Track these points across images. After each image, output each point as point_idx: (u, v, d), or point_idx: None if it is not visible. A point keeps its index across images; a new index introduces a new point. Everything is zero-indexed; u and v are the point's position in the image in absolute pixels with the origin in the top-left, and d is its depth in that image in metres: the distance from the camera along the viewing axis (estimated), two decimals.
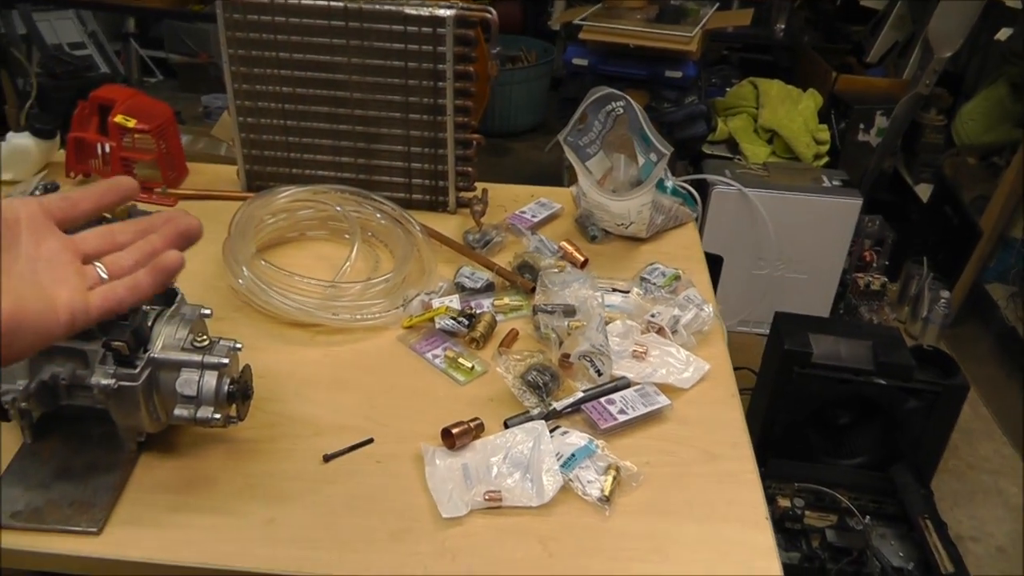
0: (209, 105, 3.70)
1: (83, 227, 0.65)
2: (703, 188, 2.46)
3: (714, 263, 1.37)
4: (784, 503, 1.87)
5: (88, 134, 1.33)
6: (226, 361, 0.84)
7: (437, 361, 1.06)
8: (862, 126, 3.07)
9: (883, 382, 1.90)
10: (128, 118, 1.29)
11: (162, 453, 0.91)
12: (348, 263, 1.17)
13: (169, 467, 0.89)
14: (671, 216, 1.37)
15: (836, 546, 1.82)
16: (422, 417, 0.97)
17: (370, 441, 0.93)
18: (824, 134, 2.85)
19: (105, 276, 0.62)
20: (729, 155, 2.82)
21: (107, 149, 1.33)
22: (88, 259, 0.62)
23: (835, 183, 2.59)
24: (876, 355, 1.91)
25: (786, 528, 1.88)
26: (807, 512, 1.88)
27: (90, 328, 0.81)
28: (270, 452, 0.92)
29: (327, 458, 0.91)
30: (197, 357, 0.84)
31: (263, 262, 1.11)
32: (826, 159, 2.88)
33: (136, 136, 1.32)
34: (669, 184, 1.34)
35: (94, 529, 0.82)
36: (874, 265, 2.81)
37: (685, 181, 1.49)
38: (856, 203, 2.52)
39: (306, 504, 0.86)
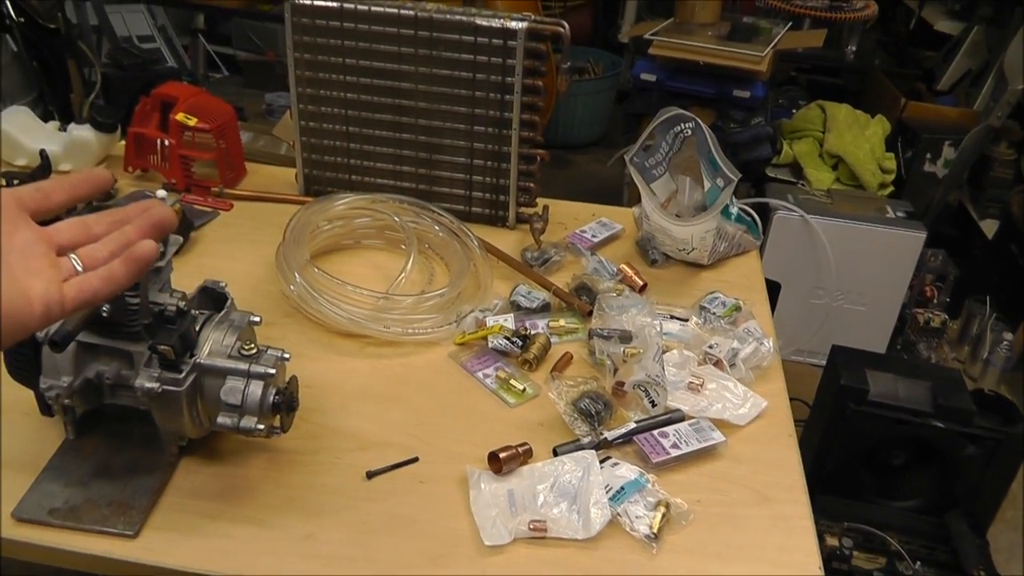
0: (272, 103, 3.74)
1: (57, 218, 0.64)
2: (765, 212, 2.40)
3: (772, 290, 1.33)
4: (832, 542, 1.81)
5: (148, 130, 1.34)
6: (273, 371, 0.83)
7: (488, 381, 1.04)
8: (929, 156, 2.99)
9: (941, 425, 1.83)
10: (189, 116, 1.30)
11: (203, 458, 0.90)
12: (403, 274, 1.15)
13: (209, 473, 0.88)
14: (734, 244, 1.33)
15: None
16: (469, 438, 0.95)
17: (415, 460, 0.92)
18: (891, 163, 2.77)
19: (80, 268, 0.62)
20: (793, 179, 2.76)
21: (167, 145, 1.33)
22: (63, 250, 0.62)
23: (899, 214, 2.51)
24: (935, 397, 1.84)
25: (833, 568, 1.82)
26: (855, 553, 1.82)
27: (137, 329, 0.82)
28: (312, 464, 0.90)
29: (370, 475, 0.89)
30: (243, 365, 0.82)
31: (316, 269, 1.10)
32: (891, 188, 2.80)
33: (196, 134, 1.32)
34: (734, 211, 1.30)
35: (131, 532, 0.81)
36: (935, 301, 2.72)
37: (747, 204, 1.45)
38: (920, 236, 2.44)
39: (345, 521, 0.84)
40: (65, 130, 1.37)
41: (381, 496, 0.87)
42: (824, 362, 2.54)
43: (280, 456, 0.91)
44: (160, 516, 0.83)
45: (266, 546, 0.81)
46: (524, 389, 1.02)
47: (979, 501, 1.89)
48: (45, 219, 0.63)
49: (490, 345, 1.07)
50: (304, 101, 1.30)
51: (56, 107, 2.55)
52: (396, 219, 1.21)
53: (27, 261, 0.59)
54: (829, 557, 1.81)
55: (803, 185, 2.70)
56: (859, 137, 2.73)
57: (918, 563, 1.80)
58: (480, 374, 1.05)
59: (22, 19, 2.48)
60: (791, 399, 1.07)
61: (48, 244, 0.61)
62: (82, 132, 1.37)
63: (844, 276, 2.45)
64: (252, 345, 0.84)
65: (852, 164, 2.70)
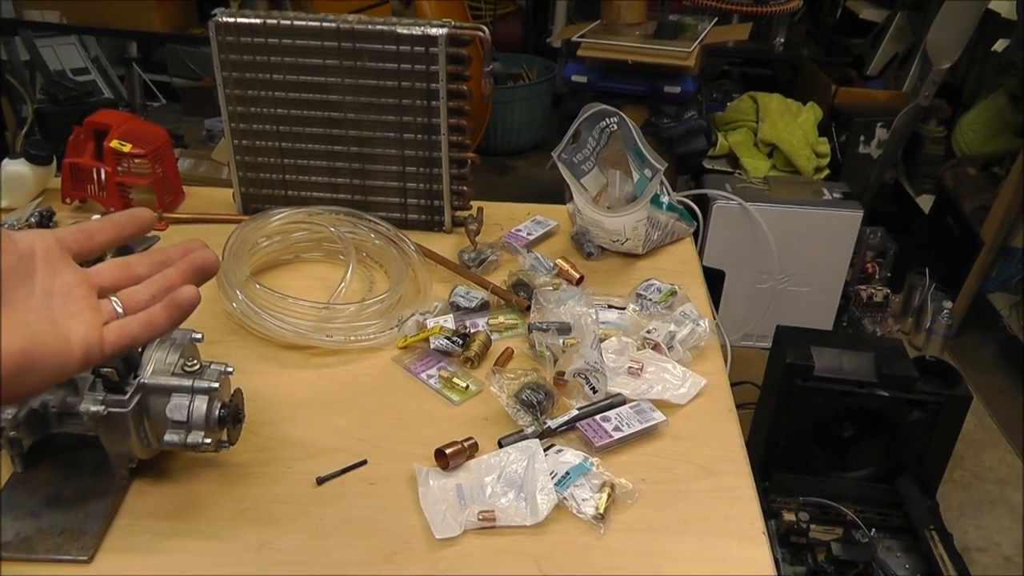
0: (212, 128, 3.72)
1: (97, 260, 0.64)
2: (704, 203, 2.46)
3: (716, 278, 1.37)
4: (789, 517, 1.86)
5: (84, 159, 1.33)
6: (216, 385, 0.84)
7: (432, 381, 1.06)
8: (862, 138, 3.08)
9: (886, 394, 1.89)
10: (123, 143, 1.30)
11: (154, 479, 0.90)
12: (343, 284, 1.17)
13: (161, 493, 0.89)
14: (668, 232, 1.37)
15: (842, 559, 1.80)
16: (416, 438, 0.97)
17: (364, 463, 0.93)
18: (824, 147, 2.85)
19: (120, 311, 0.61)
20: (730, 169, 2.83)
21: (103, 175, 1.33)
22: (104, 292, 0.62)
23: (836, 196, 2.58)
24: (878, 367, 1.90)
25: (791, 543, 1.86)
26: (812, 526, 1.87)
27: None
28: (263, 476, 0.92)
29: (320, 481, 0.90)
30: (187, 382, 0.83)
31: (257, 285, 1.11)
32: (827, 172, 2.88)
33: (133, 161, 1.32)
34: (665, 200, 1.34)
35: (84, 557, 0.81)
36: (876, 277, 2.80)
37: (686, 196, 1.49)
38: (857, 215, 2.51)
39: (299, 528, 0.86)
40: None
41: (333, 500, 0.89)
42: (770, 345, 2.61)
43: (231, 470, 0.92)
44: (114, 539, 0.84)
45: (221, 559, 0.82)
46: (467, 386, 1.04)
47: (927, 464, 1.95)
48: (86, 260, 0.63)
49: (432, 346, 1.09)
50: (236, 120, 1.31)
51: None
52: (332, 230, 1.22)
53: (69, 304, 0.59)
54: (787, 532, 1.85)
55: (740, 174, 2.77)
56: (791, 124, 2.81)
57: (873, 530, 1.85)
58: (424, 375, 1.07)
59: None
60: (740, 383, 1.11)
61: (89, 286, 0.61)
62: (16, 167, 1.36)
63: (786, 259, 2.51)
64: (195, 361, 0.86)
65: (787, 151, 2.77)
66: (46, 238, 0.61)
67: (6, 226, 1.22)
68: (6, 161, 1.34)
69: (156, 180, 1.35)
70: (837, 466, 2.01)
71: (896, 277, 2.85)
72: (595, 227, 1.31)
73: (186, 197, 1.46)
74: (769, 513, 1.88)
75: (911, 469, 1.95)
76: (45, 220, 1.26)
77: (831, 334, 2.53)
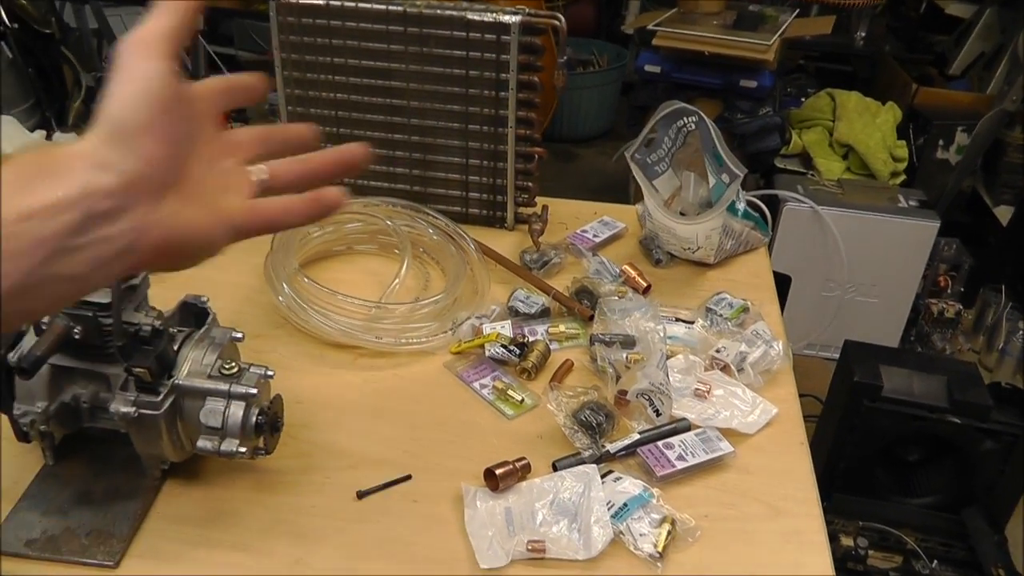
0: (275, 102, 3.69)
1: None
2: (774, 204, 2.35)
3: (782, 283, 1.29)
4: (847, 542, 1.77)
5: None
6: (255, 391, 0.79)
7: (485, 392, 1.00)
8: (941, 143, 2.92)
9: (958, 421, 1.78)
10: None
11: (187, 481, 0.86)
12: (397, 281, 1.11)
13: (193, 497, 0.85)
14: (741, 241, 1.28)
15: None
16: (465, 453, 0.91)
17: (408, 478, 0.88)
18: (902, 151, 2.71)
19: (267, 179, 0.53)
20: (802, 170, 2.71)
21: None
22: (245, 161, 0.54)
23: (911, 203, 2.46)
24: (951, 391, 1.79)
25: (848, 569, 1.77)
26: (871, 552, 1.78)
27: (111, 351, 0.78)
28: (301, 485, 0.87)
29: (360, 495, 0.85)
30: (224, 386, 0.79)
31: (305, 279, 1.06)
32: (903, 177, 2.75)
33: None
34: (741, 206, 1.26)
35: (111, 563, 0.77)
36: (948, 291, 2.67)
37: (755, 196, 1.41)
38: (933, 225, 2.38)
39: (336, 545, 0.81)
40: (51, 139, 1.33)
41: (372, 517, 0.84)
42: (836, 355, 2.49)
43: (267, 477, 0.87)
44: (141, 543, 0.80)
45: (252, 573, 0.78)
46: (522, 400, 0.98)
47: (997, 497, 1.84)
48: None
49: (487, 354, 1.03)
50: (293, 103, 1.26)
51: (53, 114, 2.51)
52: (388, 223, 1.17)
53: (227, 174, 0.52)
54: (844, 557, 1.76)
55: (813, 175, 2.65)
56: (870, 125, 2.68)
57: (935, 562, 1.75)
58: (477, 384, 1.01)
59: (16, 25, 2.44)
60: (803, 395, 1.03)
61: (237, 151, 0.53)
62: (68, 141, 1.33)
63: (856, 268, 2.40)
64: (233, 364, 0.81)
65: (863, 153, 2.65)
66: (207, 89, 0.53)
67: None
68: (57, 134, 1.31)
69: None
70: (900, 491, 1.92)
71: (969, 292, 2.70)
72: (665, 233, 1.24)
73: None
74: (826, 535, 1.80)
75: (979, 501, 1.84)
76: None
77: (902, 352, 2.41)
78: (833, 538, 1.80)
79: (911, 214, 2.40)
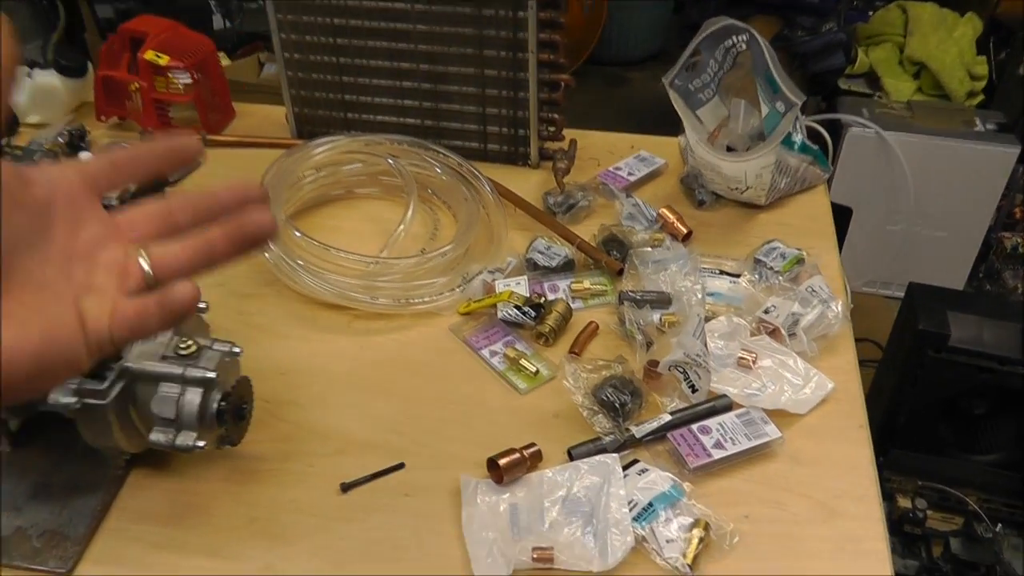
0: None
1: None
2: (836, 129, 2.15)
3: (843, 216, 1.13)
4: (904, 503, 1.64)
5: (118, 72, 1.17)
6: (213, 375, 0.67)
7: (495, 360, 0.87)
8: None
9: None
10: (160, 54, 1.13)
11: (155, 470, 0.76)
12: (401, 229, 0.99)
13: (160, 489, 0.75)
14: (797, 178, 1.12)
15: (961, 559, 1.58)
16: (467, 435, 0.79)
17: (400, 467, 0.76)
18: (982, 68, 2.46)
19: (149, 271, 0.45)
20: (868, 91, 2.48)
21: (138, 89, 1.17)
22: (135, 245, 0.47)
23: (989, 127, 2.23)
24: None
25: (905, 532, 1.65)
26: (929, 512, 1.64)
27: None
28: (280, 474, 0.76)
29: (345, 487, 0.74)
30: (178, 369, 0.67)
31: (296, 233, 0.94)
32: (980, 97, 2.50)
33: (173, 74, 1.15)
34: (798, 139, 1.09)
35: (62, 569, 0.68)
36: None
37: (816, 121, 1.24)
38: (1013, 152, 2.16)
39: (314, 548, 0.70)
40: (30, 76, 1.21)
41: (358, 514, 0.73)
42: (898, 294, 2.32)
43: (244, 465, 0.77)
44: (99, 546, 0.70)
45: None
46: (537, 371, 0.85)
47: None
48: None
49: (499, 315, 0.91)
50: (286, 29, 1.11)
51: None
52: (391, 162, 1.03)
53: (93, 272, 0.44)
54: (901, 520, 1.63)
55: (880, 97, 2.42)
56: (946, 40, 2.43)
57: (999, 525, 1.61)
58: (486, 351, 0.88)
59: None
60: (861, 340, 0.89)
61: (119, 241, 0.46)
62: (47, 78, 1.21)
63: (924, 199, 2.20)
64: (189, 342, 0.69)
65: (937, 71, 2.41)
66: (69, 177, 0.45)
67: (33, 148, 1.08)
68: (36, 71, 1.19)
69: (198, 97, 1.18)
70: (963, 447, 1.77)
71: None
72: (710, 171, 1.08)
73: (237, 116, 1.29)
74: (882, 495, 1.67)
75: None
76: (76, 140, 1.11)
77: (972, 297, 2.22)
78: (889, 498, 1.67)
79: (988, 139, 2.18)
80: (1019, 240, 2.40)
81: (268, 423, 0.80)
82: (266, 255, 0.93)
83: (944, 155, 2.17)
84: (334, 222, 1.07)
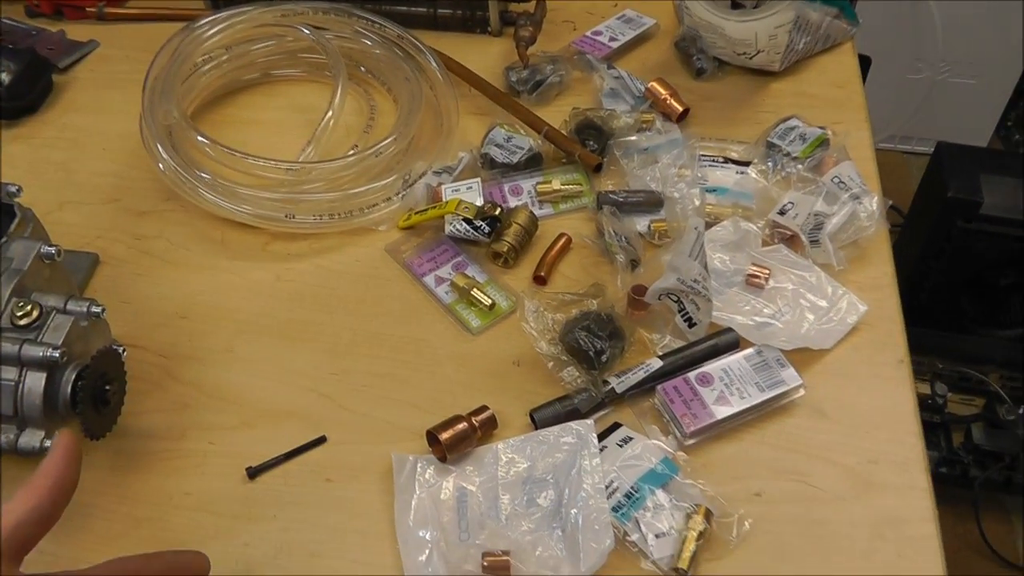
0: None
1: None
2: None
3: (860, 66, 0.94)
4: (923, 389, 1.50)
5: None
6: (57, 353, 0.50)
7: (441, 290, 0.70)
8: None
9: None
10: None
11: (25, 461, 0.60)
12: (328, 117, 0.79)
13: None
14: (819, 37, 0.91)
15: (984, 449, 1.45)
16: (405, 394, 0.63)
17: (321, 441, 0.61)
18: None
19: None
20: None
21: None
22: None
23: None
24: None
25: (923, 421, 1.52)
26: (949, 395, 1.51)
27: None
28: (175, 457, 0.60)
29: (252, 473, 0.59)
30: (12, 347, 0.50)
31: (199, 137, 0.74)
32: None
33: None
34: None
35: None
36: None
37: None
38: None
39: (213, 559, 0.54)
40: None
41: (268, 510, 0.57)
42: (920, 148, 2.13)
43: (132, 446, 0.61)
44: None
45: None
46: (493, 304, 0.68)
47: None
48: None
49: (446, 231, 0.73)
50: None
51: None
52: (307, 32, 0.82)
53: None
54: (919, 407, 1.50)
55: None
56: None
57: (1022, 407, 1.48)
58: (431, 279, 0.71)
59: None
60: None
61: None
62: None
63: (951, 42, 1.96)
64: (28, 307, 0.52)
65: None
66: None
67: None
68: None
69: None
70: (986, 321, 1.62)
71: None
72: (711, 33, 0.87)
73: None
74: None
75: None
76: None
77: (1005, 156, 2.02)
78: None
79: None
80: None
81: (163, 385, 0.64)
82: (159, 166, 0.74)
83: None
84: (249, 114, 0.87)
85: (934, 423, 1.50)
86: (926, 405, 1.49)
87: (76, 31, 0.99)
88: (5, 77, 0.86)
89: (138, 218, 0.78)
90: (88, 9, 1.00)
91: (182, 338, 0.68)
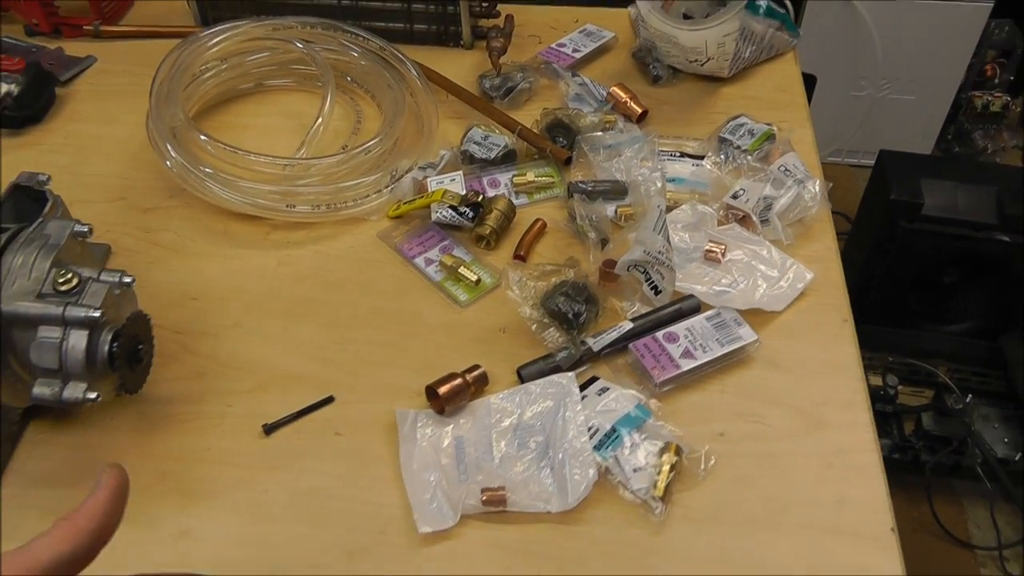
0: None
1: None
2: None
3: (806, 84, 1.03)
4: (875, 381, 1.60)
5: None
6: (98, 314, 0.56)
7: (431, 270, 0.77)
8: None
9: (1007, 239, 1.55)
10: None
11: (55, 424, 0.66)
12: (319, 122, 0.86)
13: (61, 446, 0.65)
14: (764, 46, 1.01)
15: (933, 434, 1.55)
16: (404, 359, 0.70)
17: (329, 401, 0.67)
18: None
19: None
20: None
21: None
22: None
23: None
24: (1001, 205, 1.55)
25: (876, 411, 1.61)
26: (900, 388, 1.60)
27: None
28: (194, 419, 0.66)
29: (268, 429, 0.65)
30: (56, 309, 0.56)
31: (201, 136, 0.81)
32: None
33: None
34: (763, 2, 0.97)
35: None
36: (996, 81, 2.35)
37: None
38: (985, 7, 2.05)
39: (235, 504, 0.61)
40: None
41: (283, 461, 0.63)
42: (865, 162, 2.24)
43: (154, 410, 0.67)
44: None
45: (126, 553, 0.57)
46: (478, 280, 0.75)
47: None
48: None
49: (432, 218, 0.80)
50: None
51: None
52: (299, 45, 0.90)
53: None
54: (872, 398, 1.59)
55: None
56: None
57: (969, 396, 1.57)
58: (420, 260, 0.78)
59: None
60: None
61: None
62: None
63: (892, 61, 2.09)
64: (70, 274, 0.58)
65: None
66: None
67: None
68: None
69: None
70: (933, 317, 1.72)
71: (1019, 81, 2.39)
72: (665, 42, 0.96)
73: (134, 5, 1.13)
74: None
75: (1020, 326, 1.64)
76: None
77: (944, 161, 2.14)
78: None
79: None
80: (990, 98, 2.30)
81: (179, 358, 0.70)
82: (167, 163, 0.80)
83: (913, 13, 2.04)
84: (244, 120, 0.94)
85: (886, 413, 1.59)
86: (878, 396, 1.58)
87: (73, 48, 1.05)
88: (14, 89, 0.92)
89: (144, 214, 0.84)
90: (85, 28, 1.06)
91: (195, 316, 0.74)
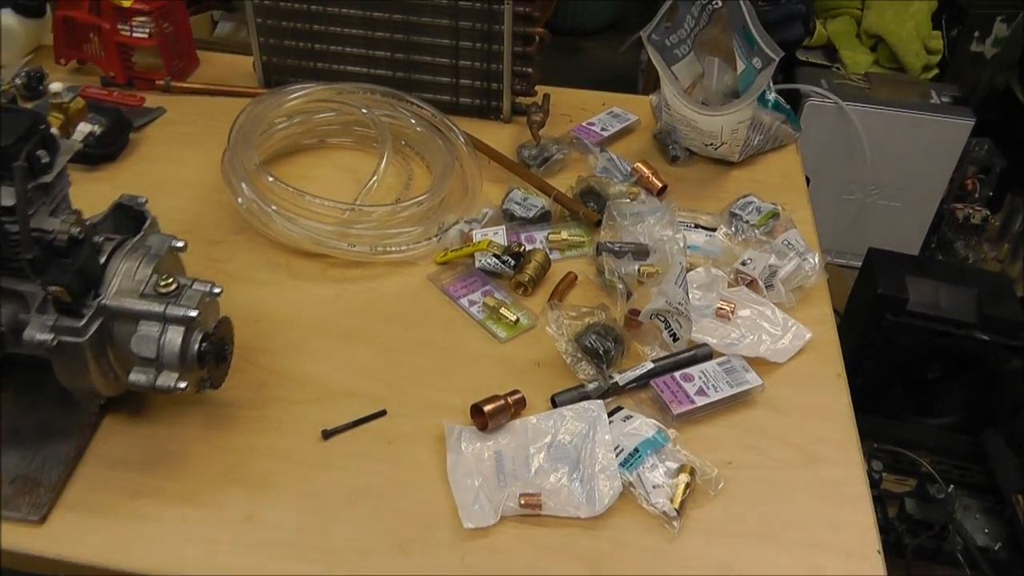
0: None
1: None
2: (795, 99, 2.17)
3: None
4: None
5: (79, 13, 1.12)
6: (194, 314, 0.65)
7: (474, 310, 0.86)
8: (977, 34, 2.69)
9: (986, 338, 1.65)
10: None
11: (129, 416, 0.73)
12: (375, 178, 0.96)
13: (136, 436, 0.72)
14: (770, 136, 1.12)
15: (916, 519, 1.61)
16: (450, 383, 0.78)
17: (382, 414, 0.75)
18: (937, 42, 2.50)
19: None
20: (827, 63, 2.49)
21: (101, 33, 1.12)
22: None
23: (945, 99, 2.27)
24: (981, 306, 1.66)
25: None
26: (884, 475, 1.68)
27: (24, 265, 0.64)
28: (258, 421, 0.74)
29: (326, 434, 0.73)
30: (159, 307, 0.65)
31: (269, 178, 0.91)
32: (935, 71, 2.54)
33: (137, 19, 1.10)
34: (771, 97, 1.09)
35: (35, 517, 0.65)
36: (976, 195, 2.50)
37: (776, 91, 1.23)
38: (967, 124, 2.21)
39: (296, 496, 0.68)
40: None
41: (339, 461, 0.71)
42: (853, 263, 2.35)
43: (220, 411, 0.75)
44: (74, 492, 0.68)
45: (196, 531, 0.66)
46: (517, 320, 0.84)
47: (1019, 419, 1.74)
48: None
49: (477, 264, 0.89)
50: None
51: None
52: (364, 111, 1.01)
53: None
54: None
55: (838, 69, 2.45)
56: (902, 14, 2.46)
57: (951, 486, 1.65)
58: (465, 300, 0.87)
59: None
60: None
61: None
62: (3, 18, 1.15)
63: (880, 169, 2.23)
64: (171, 279, 0.67)
65: (893, 44, 2.44)
66: None
67: None
68: None
69: (163, 41, 1.13)
70: (917, 410, 1.81)
71: (998, 197, 2.54)
72: (684, 126, 1.08)
73: (201, 64, 1.25)
74: None
75: (1001, 422, 1.73)
76: (34, 83, 1.06)
77: (928, 262, 2.26)
78: None
79: (944, 111, 2.21)
80: (971, 211, 2.45)
81: (242, 369, 0.78)
82: (238, 200, 0.90)
83: (901, 126, 2.20)
84: (305, 171, 1.04)
85: (871, 496, 1.65)
86: None
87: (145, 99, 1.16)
88: (96, 129, 1.02)
89: (212, 246, 0.93)
90: (157, 82, 1.17)
91: (257, 336, 0.82)
